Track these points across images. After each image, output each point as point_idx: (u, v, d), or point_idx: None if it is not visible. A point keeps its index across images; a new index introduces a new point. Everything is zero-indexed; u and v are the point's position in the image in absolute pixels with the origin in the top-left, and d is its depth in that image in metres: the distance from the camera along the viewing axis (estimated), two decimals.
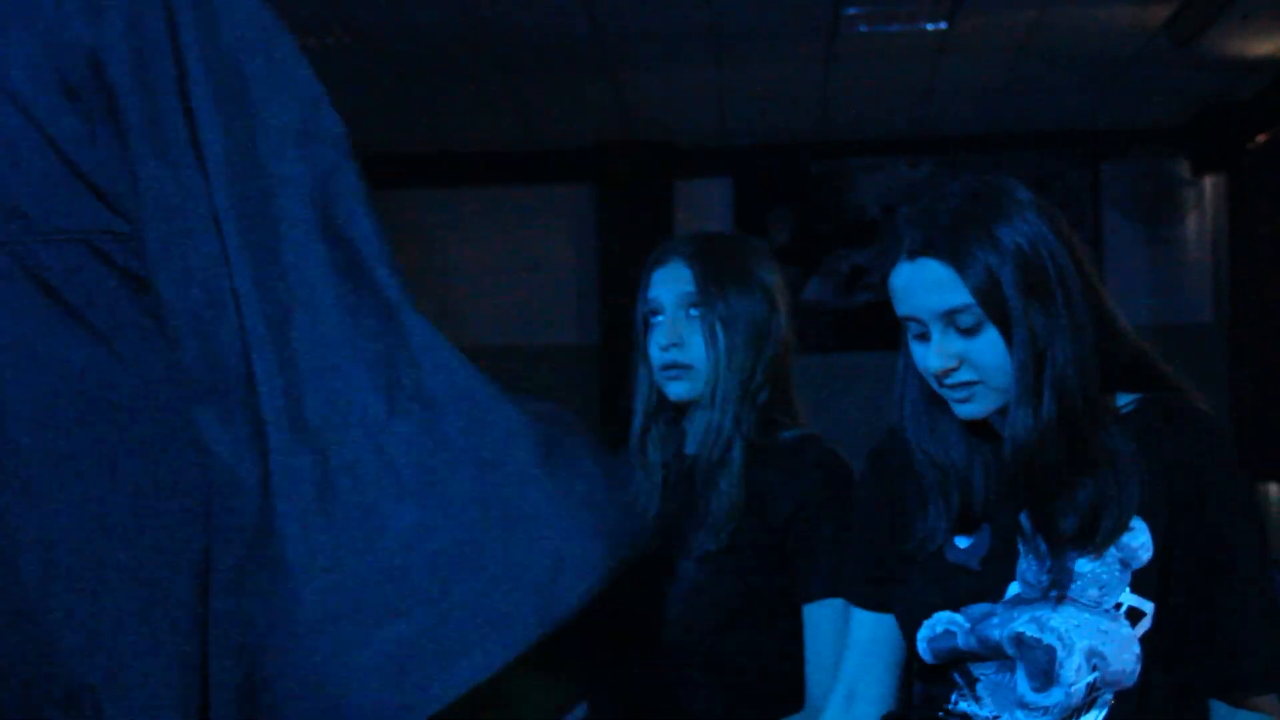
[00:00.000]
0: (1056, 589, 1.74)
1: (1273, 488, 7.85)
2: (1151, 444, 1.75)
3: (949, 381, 1.77)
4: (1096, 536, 1.73)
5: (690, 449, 2.34)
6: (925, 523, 1.85)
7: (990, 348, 1.75)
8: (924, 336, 1.79)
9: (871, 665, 1.96)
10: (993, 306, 1.72)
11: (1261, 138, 7.70)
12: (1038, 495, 1.75)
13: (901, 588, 1.88)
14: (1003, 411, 1.77)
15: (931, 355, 1.77)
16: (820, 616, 2.16)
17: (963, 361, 1.76)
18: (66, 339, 1.61)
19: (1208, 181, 8.54)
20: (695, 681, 2.24)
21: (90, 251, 1.62)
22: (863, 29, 6.55)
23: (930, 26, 6.53)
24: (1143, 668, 1.72)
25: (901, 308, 1.79)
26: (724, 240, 2.37)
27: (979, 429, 1.83)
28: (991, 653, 1.77)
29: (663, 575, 2.28)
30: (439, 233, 8.75)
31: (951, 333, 1.76)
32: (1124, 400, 1.82)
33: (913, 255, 1.76)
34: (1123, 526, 1.73)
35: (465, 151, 8.62)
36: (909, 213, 1.80)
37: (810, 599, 2.18)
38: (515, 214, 8.76)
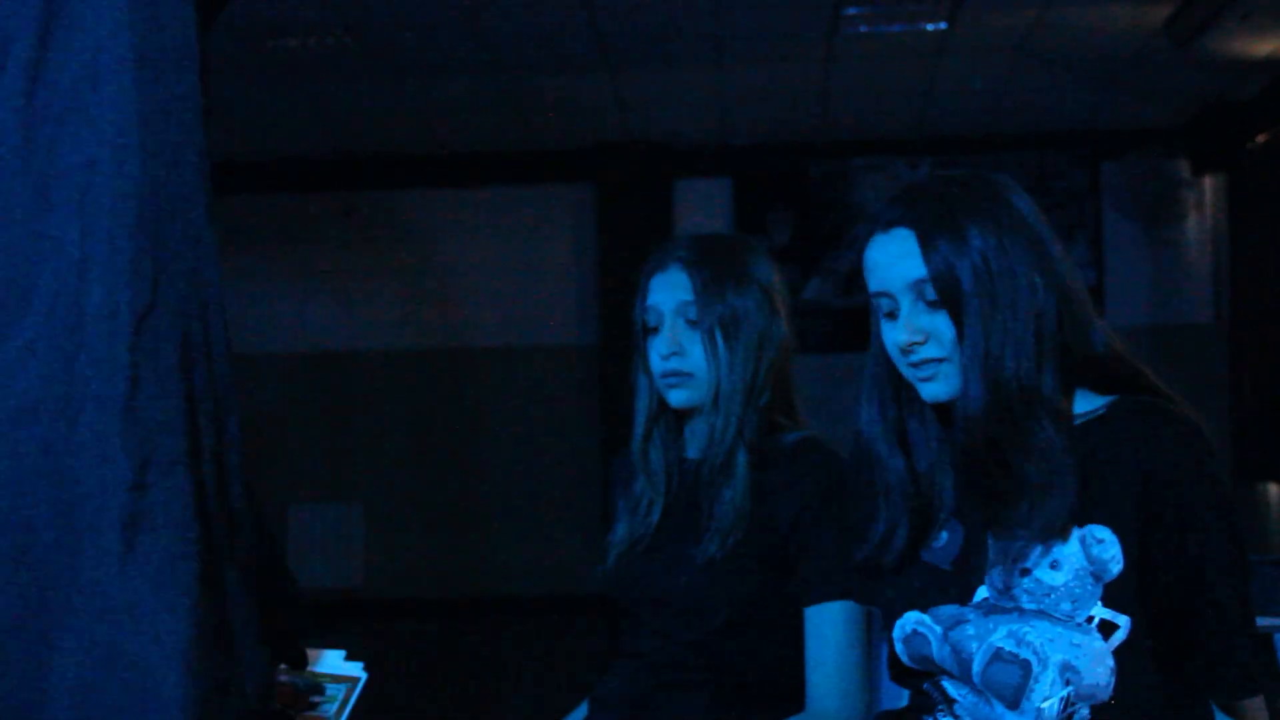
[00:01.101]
0: (1026, 595, 1.74)
1: (1272, 488, 7.85)
2: (1122, 450, 1.75)
3: (914, 359, 1.79)
4: (1035, 527, 1.72)
5: (692, 453, 2.33)
6: (882, 525, 1.86)
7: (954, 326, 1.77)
8: (893, 315, 1.81)
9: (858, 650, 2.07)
10: (945, 293, 1.75)
11: (1261, 138, 7.70)
12: (977, 482, 1.76)
13: (881, 585, 1.89)
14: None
15: (900, 328, 1.79)
16: (821, 619, 2.16)
17: (929, 336, 1.77)
18: None
19: (1208, 181, 8.54)
20: (696, 684, 2.24)
21: None
22: (863, 29, 6.55)
23: (930, 27, 6.53)
24: (1118, 680, 1.72)
25: (873, 282, 1.82)
26: (722, 242, 2.37)
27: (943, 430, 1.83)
28: (963, 674, 1.77)
29: (665, 578, 2.28)
30: (439, 233, 8.75)
31: (921, 306, 1.78)
32: (1093, 405, 1.81)
33: (888, 226, 1.80)
34: (1059, 524, 1.73)
35: (465, 151, 8.62)
36: (893, 194, 1.84)
37: (812, 601, 2.18)
38: (515, 214, 8.76)
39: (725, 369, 2.23)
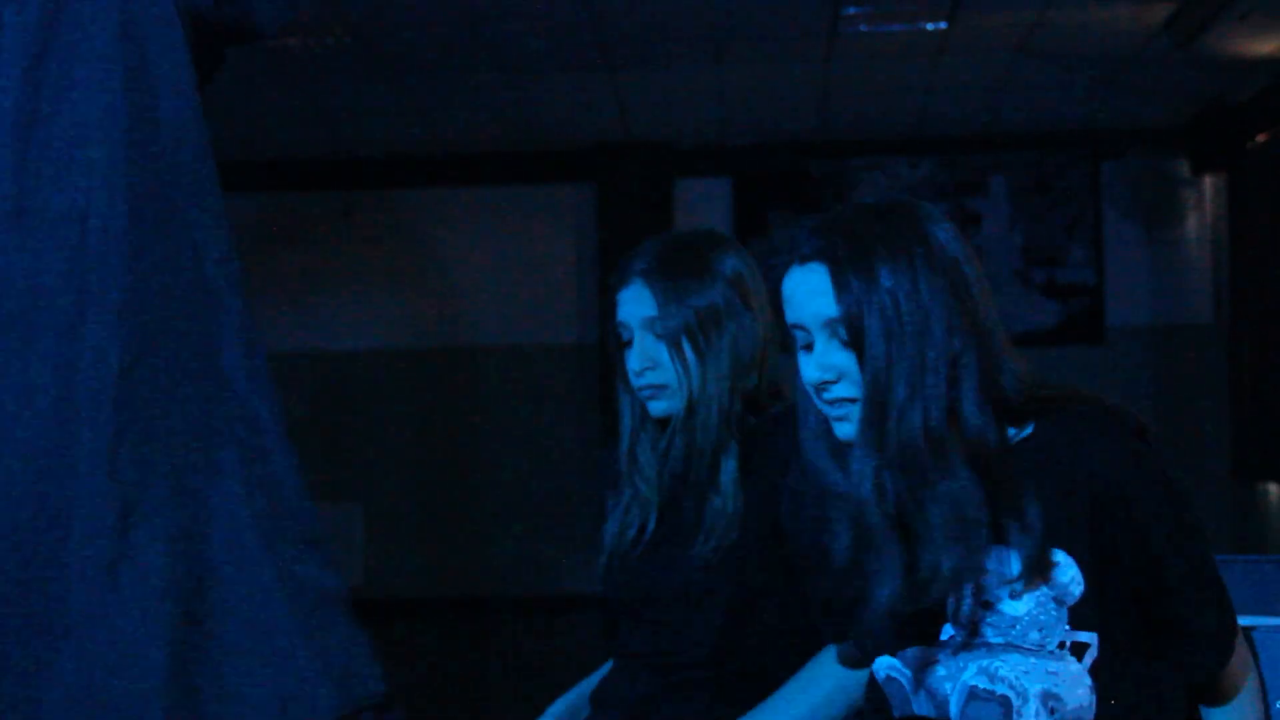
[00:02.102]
0: (990, 629, 1.72)
1: (1272, 488, 7.85)
2: (1059, 467, 1.72)
3: (827, 396, 1.75)
4: (944, 578, 1.70)
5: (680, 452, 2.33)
6: (836, 560, 1.80)
7: None
8: (809, 347, 1.77)
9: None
10: (853, 335, 1.71)
11: (1261, 138, 7.70)
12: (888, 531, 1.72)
13: (852, 623, 1.87)
14: None
15: (812, 366, 1.75)
16: None
17: (841, 376, 1.73)
18: None
19: (1208, 181, 8.54)
20: (697, 683, 2.24)
21: None
22: (863, 29, 6.55)
23: (930, 26, 6.53)
24: (1098, 697, 1.71)
25: (789, 314, 1.78)
26: (683, 244, 2.34)
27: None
28: (941, 717, 1.75)
29: (663, 578, 2.28)
30: (439, 233, 8.76)
31: (835, 344, 1.74)
32: (1013, 432, 1.77)
33: (804, 260, 1.76)
34: (970, 574, 1.70)
35: (465, 151, 8.63)
36: (812, 223, 1.78)
37: None
38: (515, 214, 8.76)
39: (696, 380, 2.23)
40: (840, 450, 1.78)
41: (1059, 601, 1.70)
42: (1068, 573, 1.70)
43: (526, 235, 8.75)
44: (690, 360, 2.25)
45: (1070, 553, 1.70)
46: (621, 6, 6.12)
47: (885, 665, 1.80)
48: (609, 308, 2.34)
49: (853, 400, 1.74)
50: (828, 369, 1.74)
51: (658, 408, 2.29)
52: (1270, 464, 7.68)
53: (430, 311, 8.74)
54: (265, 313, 8.57)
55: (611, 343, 2.35)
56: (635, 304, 2.30)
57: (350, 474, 8.74)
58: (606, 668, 2.41)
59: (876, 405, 1.69)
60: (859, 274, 1.71)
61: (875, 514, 1.71)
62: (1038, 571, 1.71)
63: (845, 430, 1.75)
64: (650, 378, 2.28)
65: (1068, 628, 1.71)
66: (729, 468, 2.24)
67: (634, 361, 2.29)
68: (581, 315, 8.72)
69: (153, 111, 1.67)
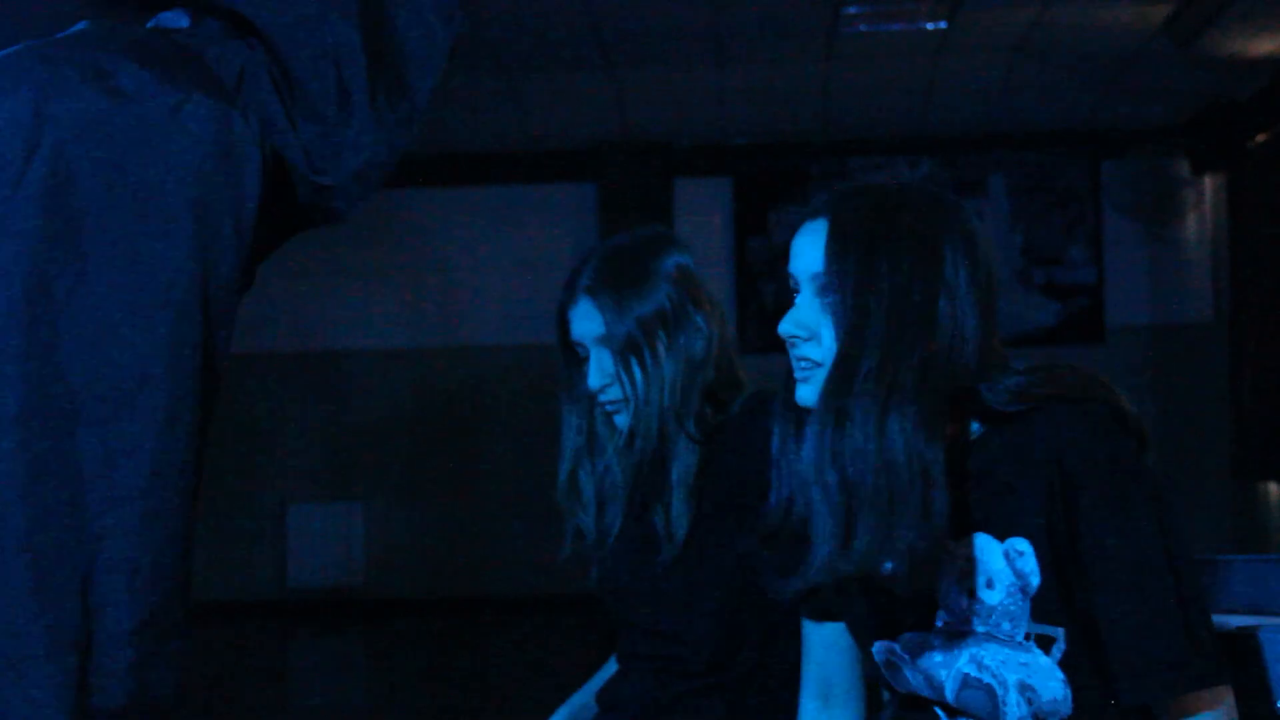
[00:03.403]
0: (976, 617, 1.70)
1: (1272, 487, 7.85)
2: (1023, 455, 1.68)
3: (794, 353, 1.71)
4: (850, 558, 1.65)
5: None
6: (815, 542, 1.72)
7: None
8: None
9: (838, 662, 1.92)
10: (830, 293, 1.68)
11: (1261, 137, 7.71)
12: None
13: (844, 602, 1.83)
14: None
15: (786, 318, 1.71)
16: None
17: (812, 335, 1.70)
18: None
19: (1208, 181, 8.55)
20: (704, 690, 2.24)
21: None
22: (863, 29, 6.56)
23: (930, 26, 6.53)
24: (1074, 692, 1.68)
25: (789, 264, 1.75)
26: (624, 252, 2.33)
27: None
28: (939, 700, 1.74)
29: (644, 579, 2.29)
30: (439, 233, 8.76)
31: (817, 303, 1.70)
32: (983, 428, 1.73)
33: (814, 214, 1.73)
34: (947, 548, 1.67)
35: (465, 151, 8.63)
36: (838, 186, 1.77)
37: None
38: (515, 214, 8.76)
39: (641, 392, 2.24)
40: (800, 418, 1.73)
41: (1024, 592, 1.68)
42: (1029, 562, 1.67)
43: (526, 235, 8.75)
44: (635, 373, 2.25)
45: (1030, 540, 1.67)
46: (621, 6, 6.13)
47: (883, 649, 1.79)
48: (560, 324, 2.35)
49: (816, 364, 1.69)
50: (800, 325, 1.70)
51: (623, 420, 2.30)
52: (1270, 464, 7.68)
53: (430, 311, 8.74)
54: (265, 313, 8.59)
55: (563, 359, 2.36)
56: (585, 321, 2.30)
57: (350, 474, 8.74)
58: (610, 669, 2.41)
59: (840, 371, 1.65)
60: (852, 239, 1.68)
61: (817, 482, 1.65)
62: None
63: (804, 393, 1.71)
64: (611, 393, 2.28)
65: (1029, 619, 1.68)
66: (681, 471, 2.24)
67: (593, 379, 2.29)
68: None
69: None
